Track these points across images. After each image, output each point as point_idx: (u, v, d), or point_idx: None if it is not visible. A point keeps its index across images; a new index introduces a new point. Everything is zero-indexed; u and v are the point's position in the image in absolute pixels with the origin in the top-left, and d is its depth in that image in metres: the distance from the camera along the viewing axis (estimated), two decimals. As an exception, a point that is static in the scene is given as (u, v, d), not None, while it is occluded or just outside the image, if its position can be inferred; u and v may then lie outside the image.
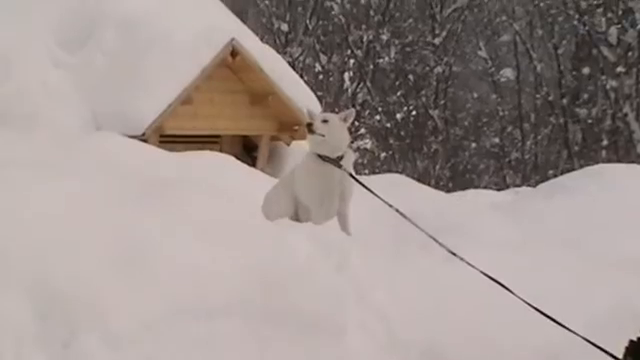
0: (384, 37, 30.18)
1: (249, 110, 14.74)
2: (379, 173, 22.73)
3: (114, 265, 4.09)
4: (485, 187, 25.60)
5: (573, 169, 18.75)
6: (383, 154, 29.77)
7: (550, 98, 29.17)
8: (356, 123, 27.29)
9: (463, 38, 31.38)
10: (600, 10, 27.67)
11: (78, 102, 13.08)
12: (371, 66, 30.46)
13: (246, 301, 4.25)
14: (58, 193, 4.55)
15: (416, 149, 29.90)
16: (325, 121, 5.79)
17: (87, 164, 6.45)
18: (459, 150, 31.28)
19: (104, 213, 4.45)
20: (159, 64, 13.25)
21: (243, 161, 10.91)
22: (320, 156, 5.81)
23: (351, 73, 30.24)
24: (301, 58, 30.03)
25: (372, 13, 30.56)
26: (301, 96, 14.52)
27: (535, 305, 4.26)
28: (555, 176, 18.29)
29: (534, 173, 29.03)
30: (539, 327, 4.37)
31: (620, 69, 26.92)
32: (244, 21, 18.19)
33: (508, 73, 30.15)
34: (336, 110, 22.84)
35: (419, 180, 17.45)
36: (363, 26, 30.26)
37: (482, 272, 4.56)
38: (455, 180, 29.63)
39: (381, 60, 30.51)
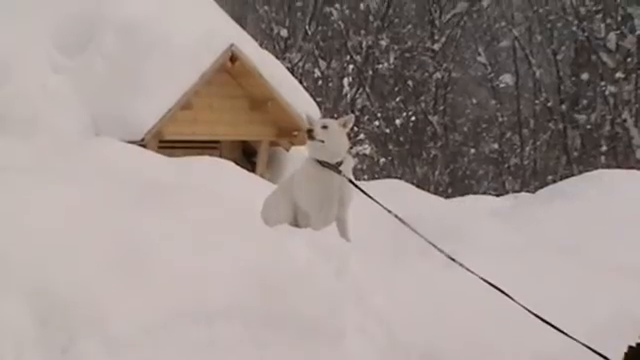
0: (383, 43, 30.23)
1: (248, 115, 14.77)
2: (378, 179, 22.73)
3: (113, 270, 4.09)
4: (484, 193, 25.61)
5: (572, 175, 18.75)
6: (382, 160, 29.78)
7: (549, 104, 29.20)
8: (355, 129, 27.30)
9: (462, 44, 31.43)
10: (599, 16, 27.73)
11: (77, 107, 13.09)
12: (370, 72, 30.50)
13: (246, 306, 4.25)
14: (57, 198, 4.54)
15: (415, 155, 29.92)
16: (325, 127, 5.79)
17: (86, 169, 6.46)
18: (458, 156, 31.30)
19: (103, 218, 4.45)
20: (159, 69, 13.27)
21: (242, 166, 10.92)
22: (319, 162, 5.81)
23: (350, 79, 30.26)
24: (300, 64, 30.07)
25: (371, 19, 30.61)
26: (300, 102, 14.55)
27: (534, 311, 4.26)
28: (554, 182, 18.29)
29: (533, 179, 29.05)
30: (538, 333, 4.37)
31: (619, 75, 26.98)
32: (243, 26, 18.24)
33: (507, 79, 30.19)
34: (335, 116, 22.86)
35: (418, 186, 17.49)
36: (362, 32, 30.31)
37: (481, 278, 4.56)
38: (454, 186, 29.65)
39: (380, 66, 30.55)
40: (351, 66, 30.40)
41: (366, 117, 29.88)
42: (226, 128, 14.60)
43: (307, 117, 6.36)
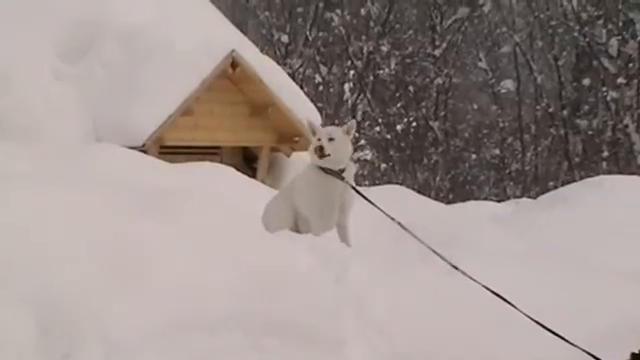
0: (384, 48, 30.25)
1: (249, 121, 14.78)
2: (379, 184, 22.72)
3: (114, 277, 4.09)
4: (485, 198, 25.56)
5: (573, 180, 18.72)
6: (383, 165, 29.77)
7: (550, 109, 29.19)
8: (356, 134, 27.25)
9: (463, 49, 31.44)
10: (600, 21, 27.74)
11: (79, 113, 13.11)
12: (371, 77, 30.51)
13: (246, 313, 4.24)
14: (59, 205, 4.54)
15: (416, 160, 29.92)
16: (332, 139, 5.76)
17: (87, 175, 6.45)
18: (459, 161, 31.30)
19: (104, 225, 4.45)
20: (159, 75, 13.29)
21: (243, 172, 10.91)
22: (322, 168, 5.80)
23: (351, 84, 30.26)
24: (301, 69, 30.08)
25: (372, 24, 30.63)
26: (301, 107, 14.56)
27: (535, 317, 4.25)
28: (555, 187, 18.31)
29: (534, 184, 29.03)
30: (540, 340, 4.36)
31: (621, 80, 26.98)
32: (244, 32, 18.27)
33: (508, 84, 30.18)
34: (336, 122, 22.85)
35: (419, 191, 17.50)
36: (363, 37, 30.32)
37: (483, 285, 4.55)
38: (455, 191, 29.63)
39: (381, 71, 30.56)
40: (352, 72, 30.40)
41: (367, 123, 29.88)
42: (227, 134, 14.61)
43: (308, 123, 6.31)
